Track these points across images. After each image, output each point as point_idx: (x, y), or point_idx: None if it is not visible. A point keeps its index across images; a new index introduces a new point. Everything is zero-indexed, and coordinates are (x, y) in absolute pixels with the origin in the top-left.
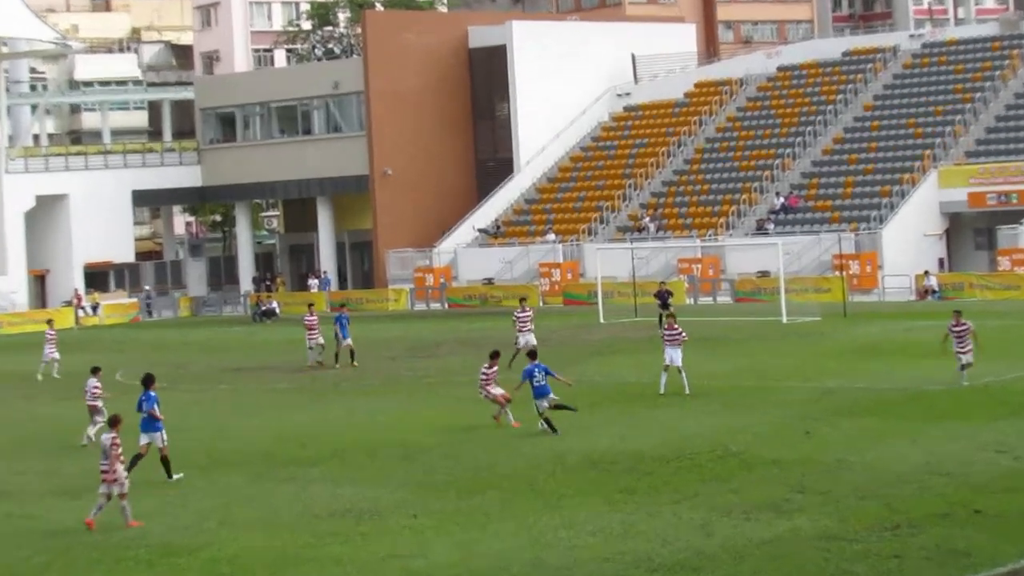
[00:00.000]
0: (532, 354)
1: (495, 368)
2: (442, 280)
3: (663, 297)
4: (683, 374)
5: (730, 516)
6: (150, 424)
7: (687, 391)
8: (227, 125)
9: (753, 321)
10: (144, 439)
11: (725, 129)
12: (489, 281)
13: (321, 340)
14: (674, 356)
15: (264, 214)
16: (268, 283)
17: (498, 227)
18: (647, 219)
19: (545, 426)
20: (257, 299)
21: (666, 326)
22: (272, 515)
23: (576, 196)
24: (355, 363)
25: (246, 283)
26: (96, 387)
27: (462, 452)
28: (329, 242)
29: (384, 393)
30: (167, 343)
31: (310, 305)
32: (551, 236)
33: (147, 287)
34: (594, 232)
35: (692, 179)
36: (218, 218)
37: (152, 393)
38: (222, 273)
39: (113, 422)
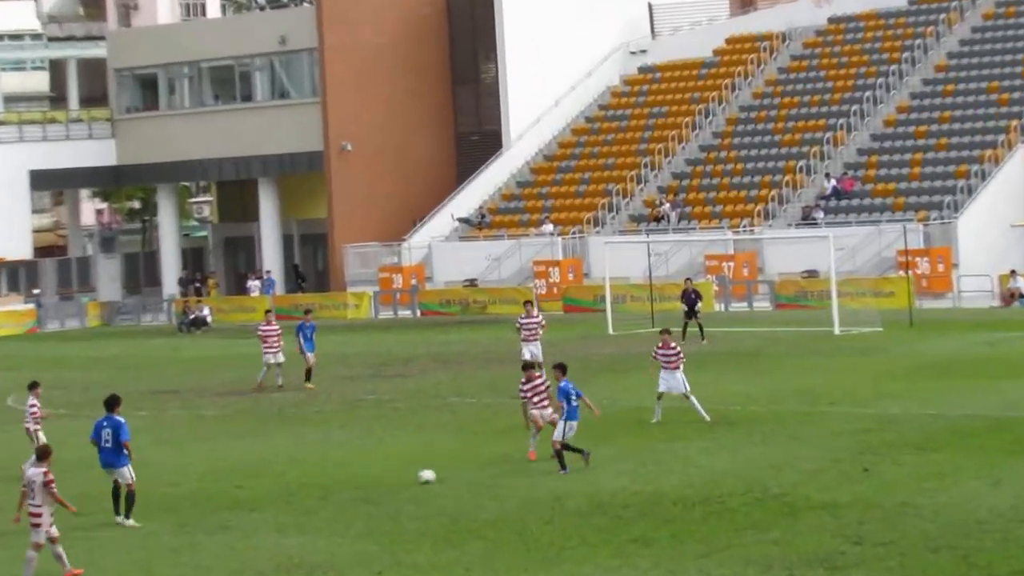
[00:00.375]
0: (561, 368)
1: (539, 381)
2: (413, 281)
3: (690, 299)
4: (693, 399)
5: (770, 572)
6: (115, 457)
7: (706, 418)
8: (147, 90)
9: (798, 332)
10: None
11: (763, 95)
12: (471, 283)
13: (282, 358)
14: (672, 382)
15: (193, 200)
16: (198, 285)
17: (483, 216)
18: (667, 206)
19: (558, 463)
20: (184, 305)
21: (660, 344)
22: (203, 572)
23: (579, 178)
24: (309, 383)
25: (170, 285)
26: (33, 406)
27: (437, 494)
28: (274, 234)
29: (341, 421)
30: (71, 359)
31: (268, 312)
32: (548, 227)
33: (37, 291)
34: (601, 223)
35: (722, 157)
36: (136, 205)
37: (122, 419)
38: (141, 273)
39: (42, 455)
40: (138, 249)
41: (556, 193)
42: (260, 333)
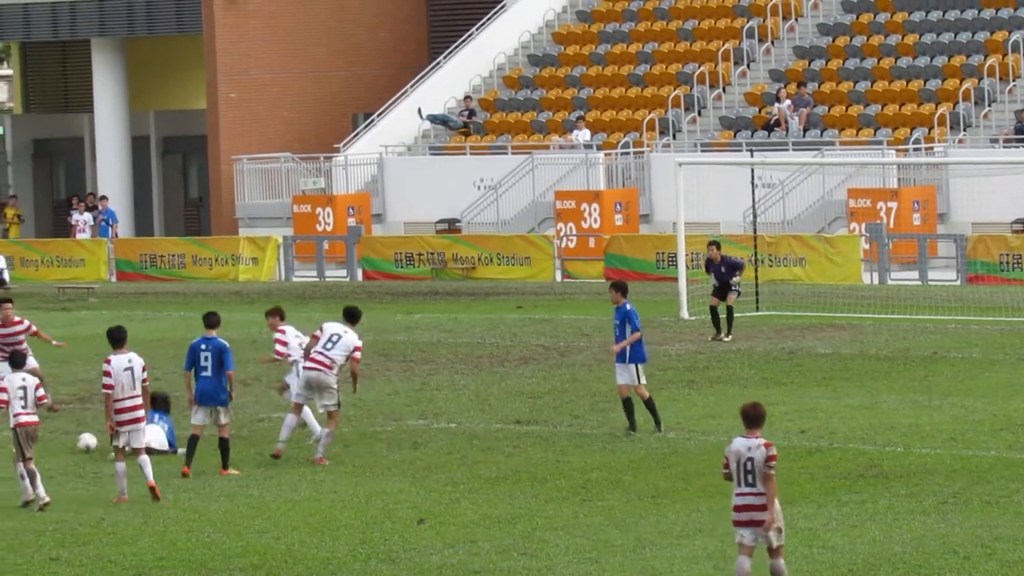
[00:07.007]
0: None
1: None
2: (352, 221)
3: (718, 271)
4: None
5: None
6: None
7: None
8: None
9: (1003, 325)
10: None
11: None
12: (450, 226)
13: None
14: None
15: None
16: None
17: (470, 113)
18: (785, 104)
19: None
20: None
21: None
22: None
23: (635, 52)
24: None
25: None
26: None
27: None
28: (116, 134)
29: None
30: None
31: (3, 302)
32: (582, 135)
33: None
34: (673, 129)
35: (879, 23)
36: None
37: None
38: None
39: None
40: None
41: (596, 78)
42: None
